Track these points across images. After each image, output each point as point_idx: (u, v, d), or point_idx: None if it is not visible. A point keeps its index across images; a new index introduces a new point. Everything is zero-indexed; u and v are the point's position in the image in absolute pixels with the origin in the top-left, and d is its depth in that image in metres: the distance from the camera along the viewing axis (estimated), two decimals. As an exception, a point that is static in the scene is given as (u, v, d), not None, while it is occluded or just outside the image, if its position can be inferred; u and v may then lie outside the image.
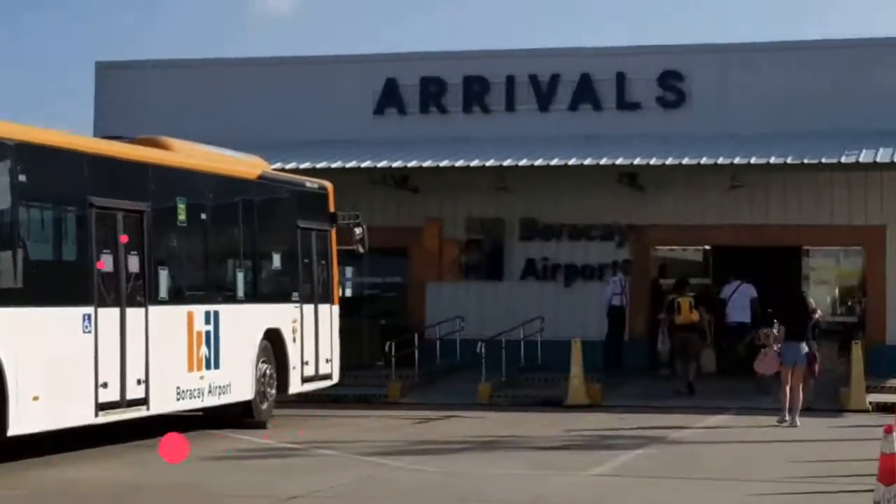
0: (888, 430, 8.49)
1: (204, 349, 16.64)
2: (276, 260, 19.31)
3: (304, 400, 22.25)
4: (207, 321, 16.75)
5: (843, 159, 24.83)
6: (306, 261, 19.87)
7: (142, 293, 15.29)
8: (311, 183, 20.75)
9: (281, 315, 18.88)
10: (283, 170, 24.94)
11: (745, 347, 24.12)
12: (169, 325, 15.84)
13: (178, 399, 16.09)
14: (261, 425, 18.08)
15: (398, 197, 28.36)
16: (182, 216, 16.57)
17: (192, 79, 30.13)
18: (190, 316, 16.36)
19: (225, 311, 17.23)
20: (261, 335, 18.23)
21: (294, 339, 19.17)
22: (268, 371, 18.51)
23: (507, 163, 26.01)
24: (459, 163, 26.20)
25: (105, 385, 14.37)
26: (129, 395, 14.91)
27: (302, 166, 25.83)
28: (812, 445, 17.03)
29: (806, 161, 24.94)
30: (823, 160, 24.87)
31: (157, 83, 30.01)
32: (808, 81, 27.16)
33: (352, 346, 26.39)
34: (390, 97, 28.98)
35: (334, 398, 23.25)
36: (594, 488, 12.42)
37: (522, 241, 28.38)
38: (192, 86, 29.88)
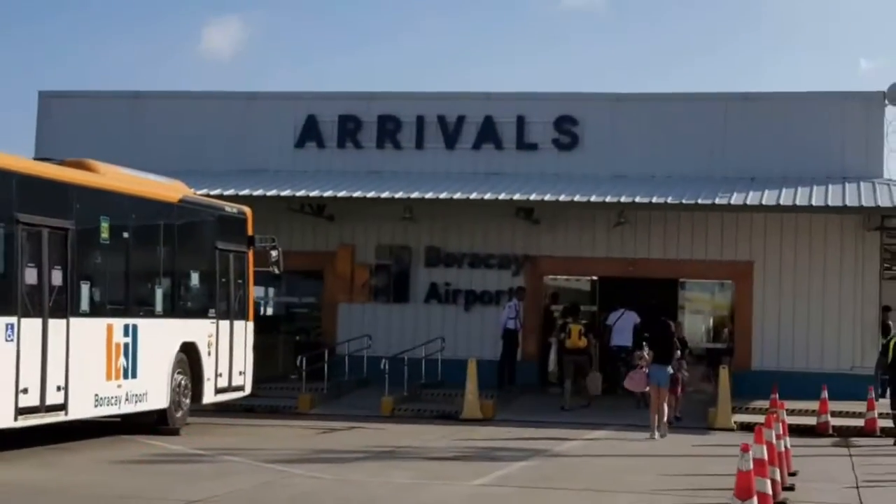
0: (744, 449, 9.19)
1: (122, 360, 17.01)
2: (195, 278, 19.74)
3: (219, 410, 22.77)
4: (126, 334, 17.13)
5: (716, 201, 25.89)
6: (223, 280, 20.30)
7: (64, 306, 15.61)
8: (231, 208, 21.21)
9: (197, 330, 19.31)
10: (209, 195, 25.31)
11: (626, 368, 24.91)
12: (89, 336, 16.17)
13: (96, 406, 16.42)
14: (174, 432, 18.40)
15: (315, 224, 28.98)
16: (105, 234, 16.93)
17: (128, 110, 30.50)
18: (109, 328, 16.74)
19: (143, 324, 17.65)
20: (177, 348, 18.62)
21: (209, 353, 19.61)
22: (183, 382, 18.89)
23: (414, 195, 26.75)
24: (371, 194, 26.93)
25: (25, 391, 14.70)
26: (49, 401, 15.24)
27: (226, 193, 26.17)
28: (680, 460, 17.65)
29: (684, 201, 25.89)
30: (699, 201, 25.87)
31: (96, 113, 30.33)
32: (689, 130, 28.15)
33: (268, 361, 27.11)
34: (310, 132, 29.62)
35: (248, 408, 23.75)
36: (474, 498, 12.88)
37: (427, 267, 29.05)
38: (127, 116, 30.26)
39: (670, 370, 21.47)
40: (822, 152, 27.46)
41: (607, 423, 22.76)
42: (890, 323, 28.50)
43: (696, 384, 27.05)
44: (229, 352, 20.42)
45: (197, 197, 20.16)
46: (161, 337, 18.29)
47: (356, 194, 26.99)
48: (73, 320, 15.85)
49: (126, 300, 17.69)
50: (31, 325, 14.96)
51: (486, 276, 28.84)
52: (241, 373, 20.95)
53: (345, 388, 26.37)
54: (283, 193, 27.17)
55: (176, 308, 19.02)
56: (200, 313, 19.71)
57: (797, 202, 25.61)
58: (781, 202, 25.69)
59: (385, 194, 26.89)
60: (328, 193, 27.18)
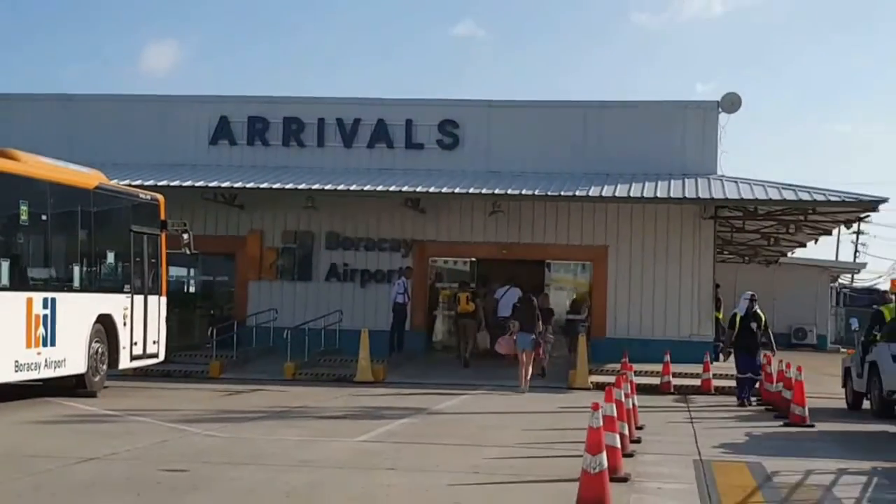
0: (595, 408, 9.21)
1: (41, 329, 16.72)
2: (111, 257, 19.53)
3: (138, 374, 22.58)
4: (45, 306, 16.84)
5: (577, 192, 26.30)
6: (138, 259, 20.06)
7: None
8: (145, 195, 20.96)
9: (113, 303, 19.07)
10: (132, 185, 25.23)
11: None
12: (9, 307, 15.94)
13: (16, 371, 16.13)
14: (92, 395, 18.15)
15: (228, 212, 28.81)
16: (24, 217, 16.67)
17: (62, 111, 30.05)
18: (29, 301, 16.45)
19: (61, 298, 17.35)
20: (94, 319, 18.36)
21: (125, 324, 19.39)
22: (100, 349, 18.61)
23: (315, 186, 26.76)
24: (277, 185, 26.92)
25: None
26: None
27: (147, 183, 25.91)
28: (543, 416, 17.67)
29: (549, 193, 26.31)
30: (562, 193, 26.32)
31: (34, 113, 29.88)
32: (553, 132, 28.60)
33: (186, 332, 27.13)
34: (223, 131, 29.46)
35: (165, 373, 23.58)
36: (355, 453, 12.47)
37: (328, 249, 29.05)
38: (58, 117, 29.75)
39: (532, 337, 22.57)
40: (666, 152, 28.01)
41: (483, 383, 23.00)
42: (720, 297, 29.28)
43: (560, 350, 27.62)
44: (144, 323, 20.22)
45: (112, 185, 19.85)
46: (79, 309, 18.01)
47: (263, 185, 26.96)
48: (-7, 293, 15.75)
49: (45, 276, 17.44)
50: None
51: (379, 258, 28.92)
52: (154, 342, 20.75)
53: (252, 355, 26.32)
54: (198, 184, 27.03)
55: (93, 283, 18.79)
56: (116, 289, 19.47)
57: (644, 194, 26.11)
58: (631, 194, 26.19)
59: (290, 186, 26.92)
60: (238, 184, 27.11)
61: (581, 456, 9.08)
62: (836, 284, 56.28)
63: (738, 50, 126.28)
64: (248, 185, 27.05)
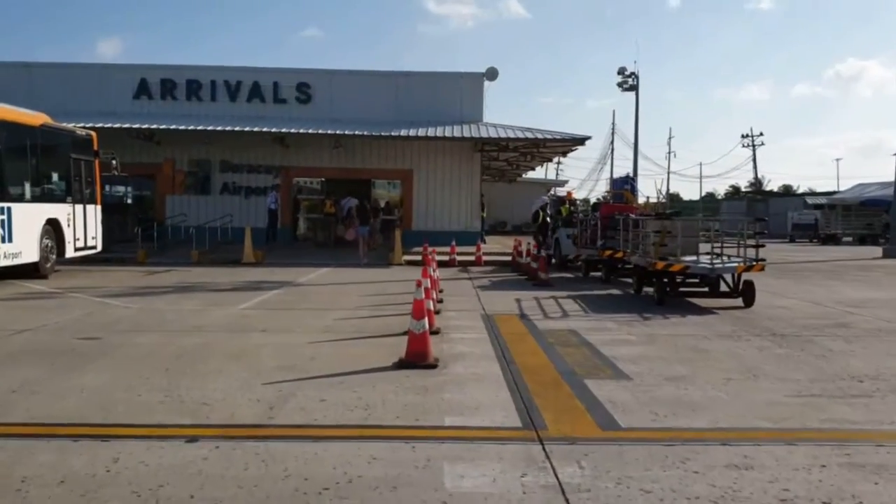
0: (418, 284, 7.64)
1: (0, 231, 14.02)
2: (55, 177, 16.34)
3: (86, 261, 19.67)
4: (2, 213, 14.06)
5: (392, 133, 24.41)
6: (77, 178, 17.00)
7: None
8: (81, 131, 17.82)
9: (59, 210, 16.18)
10: (78, 127, 21.99)
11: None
12: (-28, 214, 13.13)
13: (-23, 263, 13.38)
14: (45, 277, 15.50)
15: (149, 147, 25.59)
16: (-19, 146, 13.75)
17: (25, 76, 25.81)
18: (-12, 210, 13.66)
19: (16, 207, 14.53)
20: (43, 222, 15.54)
21: (68, 225, 16.51)
22: (49, 244, 15.86)
23: (210, 128, 24.04)
24: (182, 127, 23.97)
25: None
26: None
27: (89, 125, 22.60)
28: (373, 285, 15.74)
29: (373, 133, 24.35)
30: (382, 133, 24.39)
31: (6, 78, 25.64)
32: (377, 92, 26.47)
33: (122, 230, 23.90)
34: (143, 89, 26.02)
35: (105, 259, 20.63)
36: (236, 317, 10.46)
37: (221, 172, 26.26)
38: (24, 81, 25.59)
39: (367, 227, 22.21)
40: (451, 106, 26.40)
41: (332, 262, 21.05)
42: (484, 202, 28.14)
43: (383, 239, 26.11)
44: (84, 224, 17.32)
45: (54, 123, 16.59)
46: (30, 215, 15.16)
47: (173, 127, 23.96)
48: (-43, 203, 12.72)
49: (0, 190, 14.37)
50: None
51: (258, 178, 26.36)
52: (93, 237, 17.86)
53: (169, 246, 23.39)
54: (125, 126, 23.81)
55: (42, 195, 15.73)
56: (61, 199, 16.44)
57: (436, 135, 24.47)
58: (427, 134, 24.46)
59: (192, 127, 24.02)
60: (154, 126, 24.02)
61: (404, 316, 7.62)
62: (549, 194, 56.86)
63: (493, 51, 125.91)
64: (162, 127, 24.05)
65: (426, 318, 7.45)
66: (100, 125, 22.95)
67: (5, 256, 14.17)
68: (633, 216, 16.46)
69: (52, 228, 16.02)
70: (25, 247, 14.85)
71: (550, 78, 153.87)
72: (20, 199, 14.93)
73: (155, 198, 26.71)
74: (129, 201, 28.66)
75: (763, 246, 13.54)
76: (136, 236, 22.63)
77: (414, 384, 6.57)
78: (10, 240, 14.29)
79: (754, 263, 12.82)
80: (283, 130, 24.17)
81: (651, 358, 7.94)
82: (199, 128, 24.02)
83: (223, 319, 10.28)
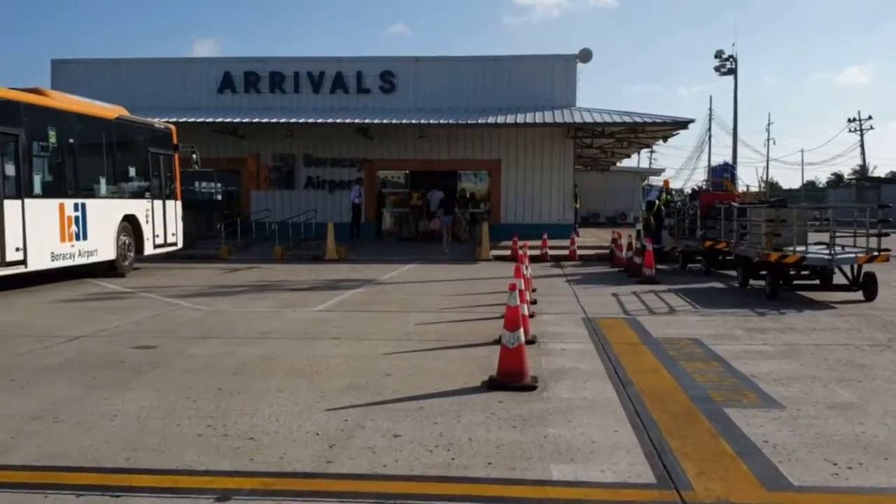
0: (512, 288, 6.41)
1: (74, 227, 13.35)
2: (132, 171, 15.81)
3: (169, 258, 19.31)
4: (76, 209, 13.45)
5: (479, 120, 23.13)
6: (155, 173, 16.48)
7: (17, 189, 11.95)
8: (159, 124, 17.22)
9: (137, 206, 15.64)
10: (168, 121, 21.76)
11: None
12: (43, 211, 12.56)
13: (52, 260, 12.80)
14: (122, 275, 14.90)
15: (232, 141, 25.08)
16: (53, 140, 13.16)
17: (112, 72, 25.84)
18: (61, 206, 13.06)
19: (91, 203, 13.96)
20: (120, 218, 14.99)
21: (147, 221, 15.97)
22: (127, 241, 15.31)
23: (293, 120, 23.34)
24: (265, 120, 23.38)
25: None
26: (9, 258, 11.74)
27: (173, 120, 22.28)
28: (459, 283, 14.53)
29: (459, 122, 23.12)
30: (468, 121, 23.14)
31: (90, 74, 25.63)
32: (463, 79, 25.10)
33: (209, 227, 23.51)
34: (227, 83, 25.54)
35: (188, 256, 20.26)
36: (308, 323, 9.30)
37: (305, 166, 25.51)
38: (112, 76, 25.64)
39: (450, 218, 22.33)
40: (540, 91, 24.84)
41: (416, 257, 20.00)
42: (577, 192, 26.54)
43: (469, 233, 25.00)
44: (163, 221, 16.75)
45: (130, 116, 16.02)
46: (106, 211, 14.58)
47: (255, 120, 23.37)
48: (27, 200, 12.15)
49: (74, 186, 13.79)
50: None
51: (342, 172, 25.49)
52: (173, 234, 17.27)
53: (253, 242, 22.81)
54: (209, 120, 23.37)
55: (119, 191, 15.17)
56: (138, 195, 15.88)
57: (525, 121, 23.03)
58: (517, 121, 23.05)
59: (275, 120, 23.38)
60: (237, 120, 23.49)
61: (492, 320, 6.46)
62: (644, 183, 54.66)
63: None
64: (244, 120, 23.50)
65: (521, 329, 6.14)
66: (183, 120, 22.73)
67: (80, 254, 13.65)
68: (736, 204, 14.89)
69: (130, 225, 15.51)
70: (101, 244, 14.33)
71: (639, 67, 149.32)
72: (95, 195, 14.42)
73: (240, 193, 26.27)
74: (219, 197, 28.58)
75: (887, 234, 11.96)
76: (219, 233, 22.15)
77: (509, 413, 5.29)
78: (85, 237, 13.76)
79: (877, 254, 11.46)
80: (366, 121, 23.22)
81: (800, 377, 6.40)
82: (282, 120, 23.34)
83: (295, 324, 9.24)
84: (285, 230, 22.11)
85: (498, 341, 6.46)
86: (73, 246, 13.40)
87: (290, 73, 25.40)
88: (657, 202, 17.80)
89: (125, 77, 25.60)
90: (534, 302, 11.09)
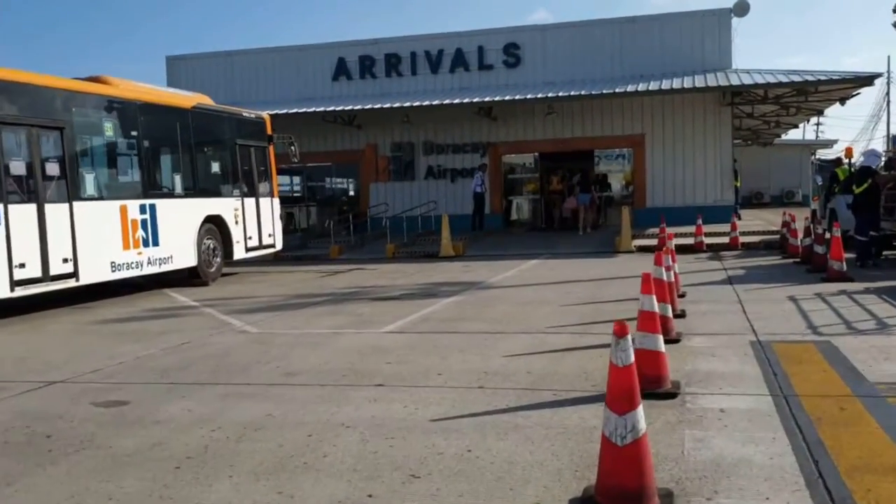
0: (619, 332, 3.98)
1: (140, 232, 11.67)
2: (215, 167, 14.13)
3: (276, 259, 17.80)
4: (143, 212, 11.76)
5: (616, 90, 19.92)
6: (245, 168, 14.67)
7: (64, 192, 10.27)
8: (249, 113, 15.33)
9: (222, 205, 13.85)
10: (277, 115, 20.52)
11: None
12: (97, 215, 10.88)
13: (113, 271, 11.16)
14: (205, 283, 13.23)
15: (350, 131, 23.38)
16: (109, 132, 11.52)
17: (225, 64, 24.78)
18: (123, 208, 11.38)
19: (163, 204, 12.27)
20: (201, 220, 13.23)
21: (237, 222, 14.19)
22: (212, 245, 13.59)
23: (407, 104, 21.15)
24: (378, 106, 21.27)
25: (22, 265, 9.58)
26: (55, 271, 10.05)
27: (289, 112, 21.20)
28: (584, 287, 11.83)
29: (593, 92, 20.02)
30: (604, 91, 19.98)
31: (204, 67, 24.73)
32: (594, 46, 21.87)
33: (324, 224, 21.80)
34: (341, 69, 23.75)
35: (296, 258, 18.67)
36: (364, 351, 6.83)
37: (424, 155, 23.27)
38: (225, 69, 24.63)
39: (588, 197, 20.67)
40: (688, 53, 21.20)
41: (545, 251, 17.33)
42: (737, 169, 22.70)
43: (605, 218, 21.98)
44: (257, 221, 14.87)
45: (212, 105, 14.26)
46: (182, 213, 12.85)
47: (367, 106, 21.31)
48: (76, 203, 10.45)
49: (139, 185, 12.08)
50: (22, 210, 9.70)
51: (464, 158, 23.04)
52: (270, 234, 15.38)
53: (367, 239, 20.79)
54: (326, 109, 21.65)
55: (197, 189, 13.41)
56: (225, 193, 14.14)
57: (673, 86, 19.56)
58: (662, 87, 19.62)
59: (387, 105, 21.26)
60: (348, 108, 21.60)
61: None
62: (814, 157, 48.52)
63: None
64: (357, 108, 21.55)
65: (639, 412, 3.30)
66: (292, 111, 21.33)
67: (150, 263, 12.00)
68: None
69: (216, 227, 13.80)
70: (178, 250, 12.65)
71: (799, 36, 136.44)
72: (169, 194, 12.76)
73: (359, 187, 24.47)
74: (336, 193, 26.80)
75: None
76: (331, 230, 20.30)
77: None
78: (156, 243, 12.10)
79: None
80: (487, 99, 20.63)
81: None
82: (396, 105, 21.20)
83: (342, 356, 6.78)
84: (400, 225, 20.04)
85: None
86: (139, 254, 11.74)
87: (406, 53, 23.22)
88: (870, 169, 13.15)
89: (238, 70, 24.48)
90: (681, 314, 8.13)
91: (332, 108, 21.72)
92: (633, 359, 3.28)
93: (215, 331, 8.47)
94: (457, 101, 20.91)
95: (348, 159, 24.18)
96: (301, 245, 20.40)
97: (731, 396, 5.03)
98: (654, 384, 5.03)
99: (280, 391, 5.62)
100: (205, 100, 14.11)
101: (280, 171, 26.59)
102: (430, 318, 8.82)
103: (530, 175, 23.86)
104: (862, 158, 13.46)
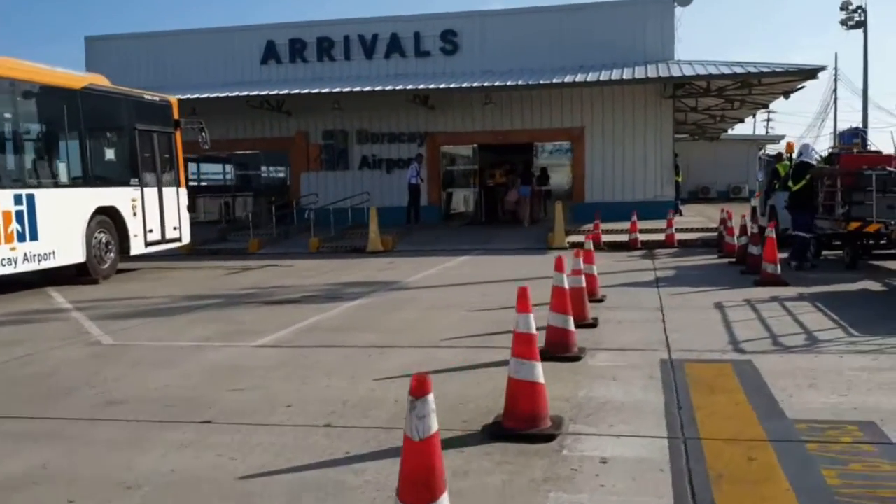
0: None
1: (15, 225, 10.40)
2: (110, 153, 12.91)
3: (192, 253, 16.65)
4: (18, 202, 10.48)
5: (554, 80, 19.09)
6: (147, 155, 13.43)
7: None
8: (152, 96, 14.00)
9: (118, 195, 12.59)
10: (200, 99, 19.44)
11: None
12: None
13: (-19, 267, 9.89)
14: (95, 282, 11.98)
15: (279, 118, 22.17)
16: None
17: (149, 46, 23.29)
18: (-7, 199, 10.17)
19: (42, 195, 10.96)
20: (91, 212, 11.98)
21: (135, 214, 12.97)
22: (104, 239, 12.35)
23: (337, 90, 20.08)
24: (307, 91, 20.18)
25: None
26: None
27: (212, 96, 20.05)
28: (502, 288, 10.58)
29: (531, 83, 19.13)
30: (541, 82, 19.13)
31: (127, 49, 23.21)
32: (535, 34, 21.01)
33: (258, 216, 20.51)
34: (270, 52, 22.49)
35: (214, 251, 17.47)
36: (221, 371, 5.78)
37: (358, 143, 22.15)
38: (149, 51, 23.16)
39: (528, 189, 20.54)
40: (631, 44, 20.49)
41: (478, 247, 16.43)
42: (678, 164, 22.13)
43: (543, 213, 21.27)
44: (159, 212, 13.64)
45: (107, 86, 12.90)
46: (68, 204, 11.56)
47: (295, 91, 20.21)
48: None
49: (16, 173, 10.89)
50: None
51: (400, 148, 22.00)
52: (175, 227, 14.17)
53: (292, 232, 19.64)
54: (252, 94, 20.56)
55: (88, 178, 12.10)
56: (121, 182, 12.85)
57: (612, 78, 18.81)
58: (601, 79, 18.85)
59: (316, 90, 20.17)
60: (274, 92, 20.49)
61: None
62: (762, 152, 48.82)
63: None
64: (284, 92, 20.41)
65: (441, 496, 2.39)
66: (213, 95, 20.11)
67: (26, 259, 10.72)
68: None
69: (110, 219, 12.55)
70: (62, 245, 11.39)
71: (745, 30, 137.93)
72: (51, 184, 11.46)
73: (290, 177, 23.26)
74: (264, 182, 25.43)
75: None
76: (249, 222, 19.10)
77: None
78: (35, 237, 10.83)
79: None
80: (421, 87, 19.62)
81: None
82: (326, 90, 20.08)
83: (186, 378, 5.72)
84: (327, 216, 18.94)
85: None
86: (13, 249, 10.46)
87: (339, 37, 22.07)
88: (805, 163, 12.37)
89: (163, 52, 23.05)
90: (591, 323, 7.30)
91: (256, 93, 20.55)
92: (434, 429, 2.35)
93: (66, 341, 7.32)
94: (390, 87, 19.88)
95: (278, 147, 22.96)
96: (220, 238, 19.19)
97: (621, 439, 4.14)
98: (527, 423, 4.13)
99: (82, 429, 4.57)
100: (99, 80, 12.82)
101: (211, 159, 25.63)
102: (319, 326, 7.81)
103: (469, 167, 22.97)
104: (798, 153, 12.77)
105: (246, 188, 24.13)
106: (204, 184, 25.82)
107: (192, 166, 25.38)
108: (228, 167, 25.28)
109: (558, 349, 5.97)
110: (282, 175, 24.08)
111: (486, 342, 6.76)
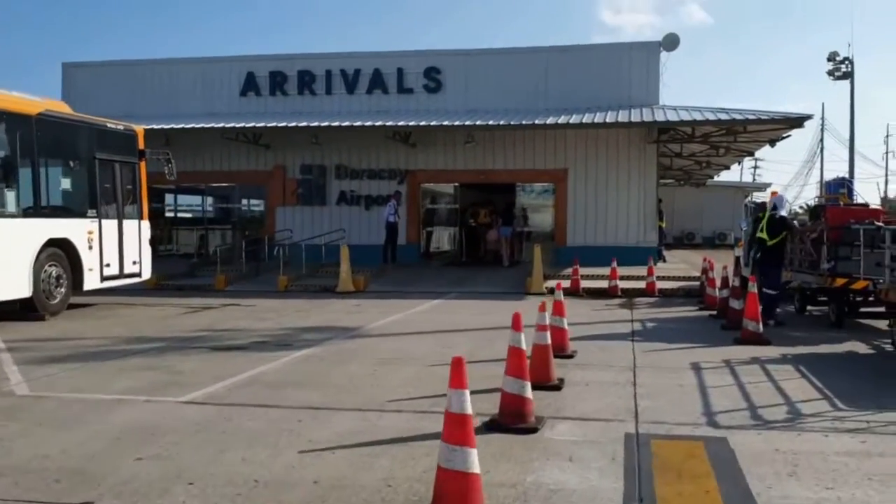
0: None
1: (-51, 257, 9.85)
2: (66, 183, 12.36)
3: (156, 289, 15.96)
4: (-47, 233, 9.94)
5: (536, 121, 18.69)
6: (107, 185, 12.84)
7: None
8: (115, 125, 13.44)
9: (73, 227, 11.99)
10: (181, 129, 19.01)
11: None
12: None
13: None
14: (41, 318, 11.28)
15: (256, 151, 21.61)
16: None
17: (128, 74, 22.76)
18: (-79, 229, 9.50)
19: (-14, 224, 10.37)
20: (41, 243, 11.34)
21: (90, 247, 12.31)
22: (54, 273, 11.69)
23: (314, 124, 19.60)
24: (284, 124, 19.69)
25: None
26: None
27: (188, 126, 19.55)
28: (470, 337, 10.18)
29: (513, 122, 18.74)
30: (524, 122, 18.73)
31: (106, 77, 22.70)
32: (520, 74, 20.61)
33: (224, 251, 19.75)
34: (250, 84, 22.02)
35: (179, 287, 16.73)
36: (136, 432, 5.20)
37: (337, 179, 21.53)
38: (128, 78, 22.62)
39: (510, 230, 20.57)
40: (616, 87, 20.14)
41: (455, 290, 15.90)
42: (662, 210, 21.72)
43: (529, 254, 20.64)
44: (118, 246, 13.01)
45: (65, 112, 12.30)
46: (13, 234, 10.93)
47: (281, 124, 19.70)
48: None
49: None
50: None
51: (380, 185, 21.42)
52: (135, 262, 13.49)
53: (263, 268, 18.93)
54: (229, 125, 20.04)
55: (38, 208, 11.46)
56: (76, 213, 12.27)
57: (596, 121, 18.41)
58: (584, 122, 18.45)
59: (302, 123, 19.73)
60: (251, 125, 19.94)
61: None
62: (748, 199, 48.80)
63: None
64: (261, 125, 19.93)
65: None
66: (190, 126, 19.69)
67: (-41, 294, 10.06)
68: (885, 225, 10.02)
69: (63, 252, 11.89)
70: (6, 278, 10.72)
71: (736, 82, 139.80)
72: None
73: (266, 211, 22.61)
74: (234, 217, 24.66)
75: None
76: (217, 258, 18.31)
77: None
78: (-28, 270, 10.18)
79: None
80: (401, 123, 19.15)
81: None
82: (304, 124, 19.60)
83: (87, 443, 5.01)
84: (300, 254, 18.27)
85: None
86: (-55, 282, 9.81)
87: (321, 71, 21.65)
88: (764, 216, 12.06)
89: (141, 81, 22.53)
90: (556, 385, 6.68)
91: (233, 125, 20.03)
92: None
93: (-21, 389, 6.64)
94: (370, 123, 19.42)
95: (255, 180, 22.37)
96: (189, 273, 18.49)
97: (566, 545, 3.50)
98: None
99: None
100: (58, 106, 12.26)
101: (189, 191, 25.01)
102: (258, 380, 7.12)
103: (451, 206, 22.47)
104: (773, 206, 12.18)
105: (224, 221, 23.48)
106: (181, 215, 25.20)
107: (169, 197, 24.88)
108: (209, 199, 24.68)
109: (512, 419, 5.34)
110: (261, 209, 23.45)
111: (435, 405, 6.10)
